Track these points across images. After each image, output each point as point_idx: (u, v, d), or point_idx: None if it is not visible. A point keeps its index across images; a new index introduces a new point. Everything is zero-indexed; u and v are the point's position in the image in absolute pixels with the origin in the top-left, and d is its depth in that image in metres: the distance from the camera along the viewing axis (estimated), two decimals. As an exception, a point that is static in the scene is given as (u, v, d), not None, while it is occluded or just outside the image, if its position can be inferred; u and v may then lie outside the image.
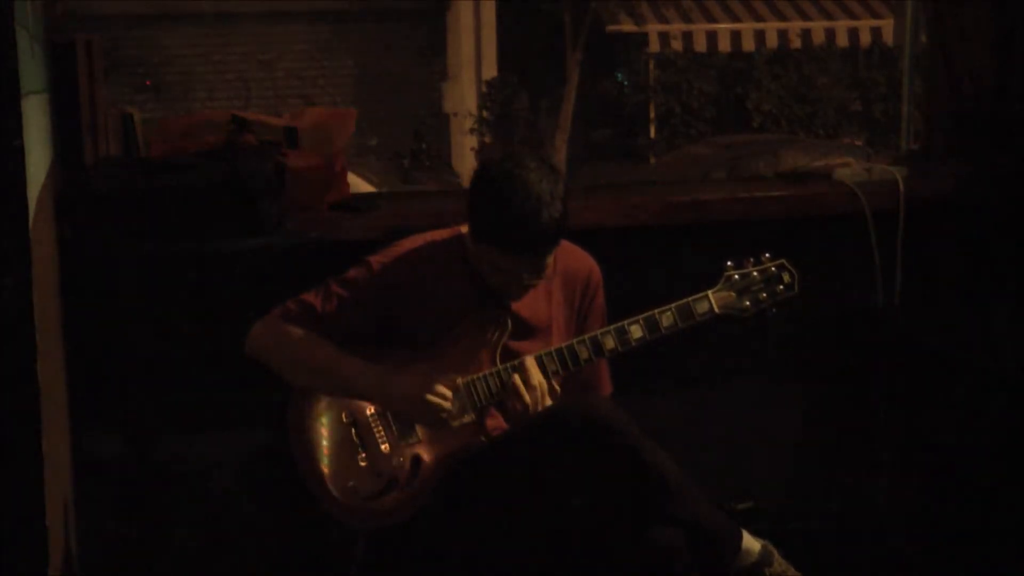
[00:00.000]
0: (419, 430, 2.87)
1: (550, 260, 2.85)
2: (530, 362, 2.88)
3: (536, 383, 2.85)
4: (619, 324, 2.93)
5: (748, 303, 2.99)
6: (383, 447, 2.87)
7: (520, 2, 16.97)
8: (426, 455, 2.87)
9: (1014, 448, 3.60)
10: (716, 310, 2.97)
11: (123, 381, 3.37)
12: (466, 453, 2.87)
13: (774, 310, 3.04)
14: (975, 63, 3.74)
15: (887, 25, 17.70)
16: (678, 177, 12.66)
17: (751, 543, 2.88)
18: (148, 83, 16.13)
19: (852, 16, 18.00)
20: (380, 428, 2.88)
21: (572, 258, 3.04)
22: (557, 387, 2.90)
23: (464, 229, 2.93)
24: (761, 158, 12.27)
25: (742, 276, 3.00)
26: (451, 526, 2.88)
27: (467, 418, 2.88)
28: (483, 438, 2.89)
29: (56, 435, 2.66)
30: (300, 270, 3.16)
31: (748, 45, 17.63)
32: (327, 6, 16.73)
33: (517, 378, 2.86)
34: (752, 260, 3.02)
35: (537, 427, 2.83)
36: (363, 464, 2.87)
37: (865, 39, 17.86)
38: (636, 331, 2.92)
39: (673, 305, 2.94)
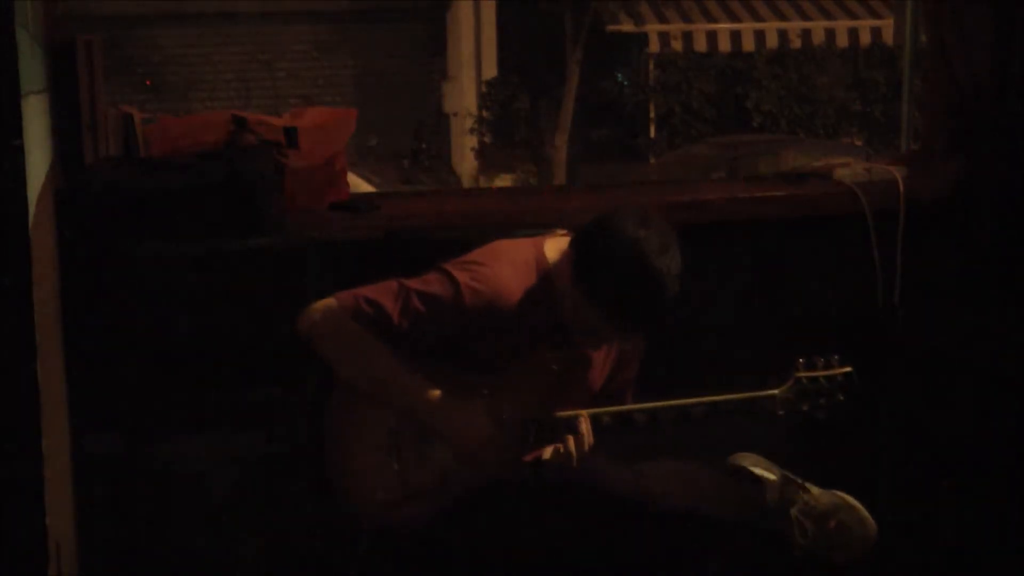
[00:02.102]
0: (457, 455, 2.82)
1: None
2: (584, 423, 2.76)
3: (586, 443, 2.76)
4: (682, 403, 2.83)
5: (806, 408, 2.86)
6: (418, 460, 2.83)
7: (520, 2, 16.97)
8: (457, 476, 2.82)
9: (1014, 448, 3.60)
10: (779, 412, 2.85)
11: (123, 381, 3.36)
12: (493, 482, 2.84)
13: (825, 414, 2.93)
14: (975, 63, 3.73)
15: (887, 25, 17.71)
16: (678, 177, 12.67)
17: (771, 490, 2.90)
18: (148, 83, 16.14)
19: (852, 16, 18.01)
20: (417, 442, 2.83)
21: None
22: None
23: (549, 253, 2.84)
24: (761, 158, 12.30)
25: (810, 381, 2.85)
26: (457, 544, 2.87)
27: (508, 455, 2.81)
28: (519, 474, 2.84)
29: (56, 435, 2.66)
30: (300, 270, 3.16)
31: (748, 45, 17.64)
32: (327, 6, 16.74)
33: (571, 441, 2.75)
34: (823, 361, 2.87)
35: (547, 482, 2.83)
36: (394, 472, 2.83)
37: (865, 39, 17.87)
38: (698, 413, 2.82)
39: (737, 396, 2.84)
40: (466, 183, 16.29)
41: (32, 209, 2.26)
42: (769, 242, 3.71)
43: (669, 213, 3.64)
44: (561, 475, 2.80)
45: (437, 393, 2.77)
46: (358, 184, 9.82)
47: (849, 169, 3.81)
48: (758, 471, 2.97)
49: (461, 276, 2.77)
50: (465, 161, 17.00)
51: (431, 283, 2.77)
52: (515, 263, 2.82)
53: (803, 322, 3.69)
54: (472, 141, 17.03)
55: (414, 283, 2.78)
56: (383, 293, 2.76)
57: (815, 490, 2.96)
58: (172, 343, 3.37)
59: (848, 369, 2.88)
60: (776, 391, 2.84)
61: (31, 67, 2.55)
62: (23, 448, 2.16)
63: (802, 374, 2.85)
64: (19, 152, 2.13)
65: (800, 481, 2.97)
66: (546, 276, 2.81)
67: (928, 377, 3.74)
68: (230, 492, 3.47)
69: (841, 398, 2.87)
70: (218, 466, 3.45)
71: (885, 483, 3.81)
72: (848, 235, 3.68)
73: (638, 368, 3.05)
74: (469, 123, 16.98)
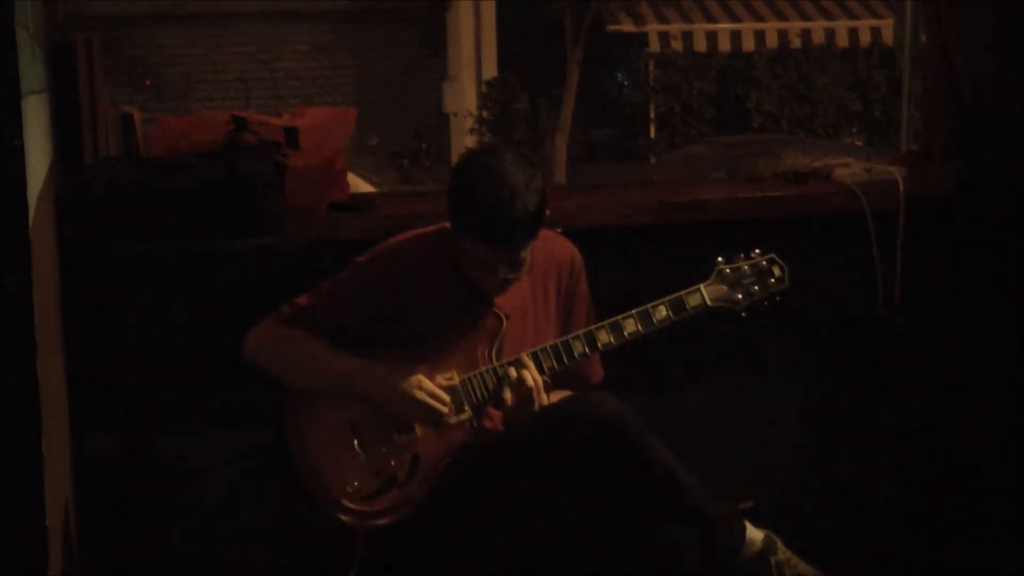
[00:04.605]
0: (417, 428, 2.89)
1: (526, 254, 2.87)
2: (526, 359, 2.89)
3: (532, 379, 2.86)
4: (613, 319, 2.97)
5: (740, 296, 3.04)
6: (381, 447, 2.88)
7: (520, 2, 16.96)
8: (424, 453, 2.88)
9: (1014, 448, 3.60)
10: (708, 303, 3.01)
11: (123, 381, 3.36)
12: (464, 450, 2.89)
13: (766, 303, 3.08)
14: (975, 63, 3.73)
15: (887, 25, 17.67)
16: (678, 177, 12.66)
17: (754, 533, 2.90)
18: (148, 83, 16.14)
19: (852, 16, 18.00)
20: (378, 428, 2.89)
21: (552, 245, 3.06)
22: (549, 381, 2.92)
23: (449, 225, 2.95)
24: (761, 158, 12.27)
25: (733, 270, 3.06)
26: (451, 524, 2.88)
27: (463, 415, 2.89)
28: (479, 434, 2.90)
29: (56, 435, 2.66)
30: (300, 270, 3.16)
31: (748, 45, 17.62)
32: (327, 6, 16.73)
33: (513, 371, 2.87)
34: (743, 255, 3.08)
35: (540, 427, 2.84)
36: (362, 464, 2.87)
37: (865, 39, 17.86)
38: (630, 325, 2.96)
39: (666, 299, 2.99)
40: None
41: (32, 209, 2.26)
42: (769, 242, 3.71)
43: (669, 213, 3.66)
44: (533, 416, 2.86)
45: (375, 365, 2.88)
46: (358, 184, 9.81)
47: (849, 169, 3.81)
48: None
49: (360, 258, 2.98)
50: (465, 161, 16.97)
51: (340, 274, 2.98)
52: (413, 235, 3.01)
53: (803, 322, 3.69)
54: (472, 141, 17.01)
55: (327, 279, 2.98)
56: (299, 296, 2.97)
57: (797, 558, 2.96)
58: (172, 343, 3.38)
59: (771, 255, 3.08)
60: (700, 284, 3.01)
61: (31, 67, 2.55)
62: (23, 448, 2.16)
63: (723, 266, 3.05)
64: (19, 152, 2.13)
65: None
66: (446, 238, 2.94)
67: (928, 377, 3.74)
68: (230, 492, 3.47)
69: (773, 281, 3.06)
70: (218, 466, 3.45)
71: (885, 483, 3.81)
72: (848, 235, 3.68)
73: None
74: (469, 123, 16.97)
